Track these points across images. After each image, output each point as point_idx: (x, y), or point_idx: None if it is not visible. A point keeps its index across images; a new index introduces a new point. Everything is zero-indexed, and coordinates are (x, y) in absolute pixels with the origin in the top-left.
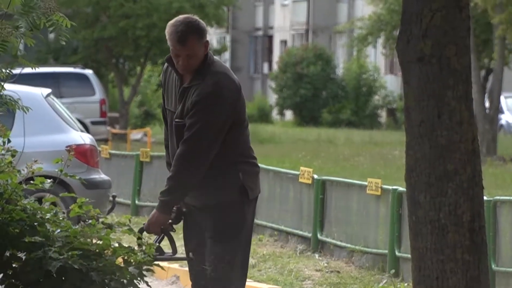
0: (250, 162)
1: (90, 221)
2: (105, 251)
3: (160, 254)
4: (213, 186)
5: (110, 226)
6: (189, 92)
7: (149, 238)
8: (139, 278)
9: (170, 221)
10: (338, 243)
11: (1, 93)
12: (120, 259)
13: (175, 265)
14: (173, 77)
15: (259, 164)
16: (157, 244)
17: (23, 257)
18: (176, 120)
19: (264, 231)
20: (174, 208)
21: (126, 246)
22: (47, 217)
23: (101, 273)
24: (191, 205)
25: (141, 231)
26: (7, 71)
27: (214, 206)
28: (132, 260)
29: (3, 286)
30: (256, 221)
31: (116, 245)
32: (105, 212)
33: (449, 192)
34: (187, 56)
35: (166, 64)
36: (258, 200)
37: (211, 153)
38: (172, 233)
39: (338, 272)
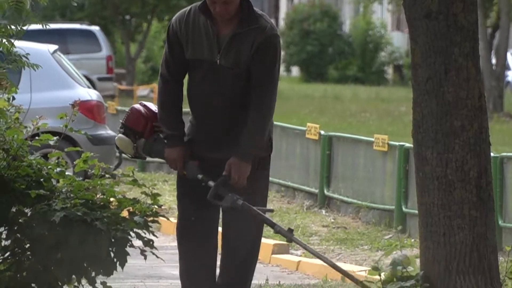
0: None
1: (93, 171)
2: (110, 203)
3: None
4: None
5: (113, 176)
6: (243, 38)
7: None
8: (144, 229)
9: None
10: (345, 199)
11: (11, 50)
12: (125, 212)
13: None
14: (199, 26)
15: None
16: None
17: (29, 213)
18: (231, 69)
19: (270, 187)
20: None
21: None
22: (52, 171)
23: (106, 224)
24: (216, 159)
25: (225, 182)
26: (19, 27)
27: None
28: (137, 211)
29: (9, 241)
30: None
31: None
32: (112, 168)
33: (456, 148)
34: (224, 3)
35: (185, 14)
36: None
37: None
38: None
39: (345, 227)
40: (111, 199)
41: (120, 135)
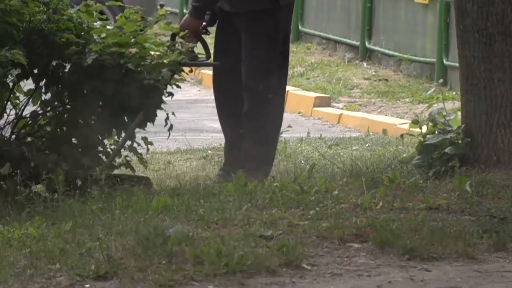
0: None
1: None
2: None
3: (193, 59)
4: None
5: (144, 18)
6: None
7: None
8: (177, 72)
9: (204, 23)
10: (386, 51)
11: None
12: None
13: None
14: None
15: None
16: (190, 49)
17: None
18: None
19: (312, 40)
20: (209, 12)
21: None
22: (93, 25)
23: (139, 70)
24: (225, 10)
25: (173, 36)
26: None
27: (247, 14)
28: (166, 60)
29: (49, 95)
30: (303, 29)
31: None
32: (153, 21)
33: (497, 1)
34: None
35: None
36: (305, 9)
37: None
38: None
39: (386, 80)
40: (146, 44)
41: None
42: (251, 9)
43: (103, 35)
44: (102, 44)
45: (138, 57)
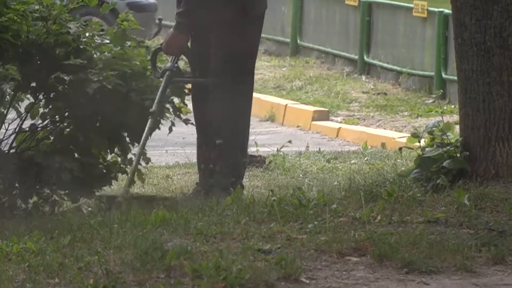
0: None
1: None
2: (147, 72)
3: (179, 76)
4: (216, 4)
5: (147, 47)
6: None
7: (167, 59)
8: (179, 97)
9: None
10: (385, 65)
11: None
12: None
13: None
14: None
15: None
16: (176, 65)
17: (67, 80)
18: None
19: (310, 53)
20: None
21: None
22: (91, 37)
23: (141, 94)
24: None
25: (157, 51)
26: None
27: (218, 24)
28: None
29: (47, 109)
30: (302, 43)
31: None
32: (151, 35)
33: (495, 14)
34: None
35: None
36: (304, 23)
37: None
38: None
39: (385, 94)
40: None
41: None
42: (221, 19)
43: (108, 55)
44: (105, 70)
45: (144, 85)
